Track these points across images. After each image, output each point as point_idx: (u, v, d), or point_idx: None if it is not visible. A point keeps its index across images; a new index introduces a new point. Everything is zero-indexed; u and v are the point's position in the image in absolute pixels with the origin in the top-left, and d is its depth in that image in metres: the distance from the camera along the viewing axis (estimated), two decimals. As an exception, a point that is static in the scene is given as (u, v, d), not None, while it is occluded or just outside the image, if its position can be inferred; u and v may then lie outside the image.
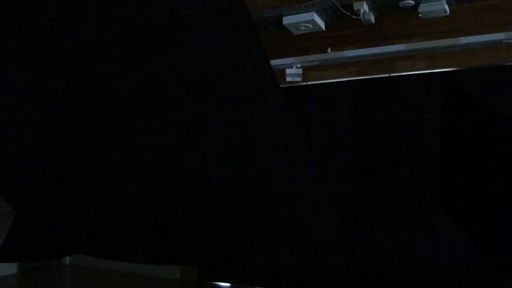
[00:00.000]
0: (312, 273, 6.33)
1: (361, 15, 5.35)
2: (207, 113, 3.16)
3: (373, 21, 5.58)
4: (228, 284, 7.13)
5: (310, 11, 5.47)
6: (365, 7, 5.28)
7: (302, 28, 5.72)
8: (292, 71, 6.24)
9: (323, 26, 5.76)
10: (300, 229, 3.80)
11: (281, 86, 3.86)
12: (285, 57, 6.34)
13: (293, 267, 6.33)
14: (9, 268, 7.94)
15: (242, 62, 2.83)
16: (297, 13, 5.54)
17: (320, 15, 5.61)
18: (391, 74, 5.99)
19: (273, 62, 5.99)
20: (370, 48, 5.91)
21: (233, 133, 3.21)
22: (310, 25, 5.65)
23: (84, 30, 2.98)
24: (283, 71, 6.24)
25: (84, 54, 3.12)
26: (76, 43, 3.06)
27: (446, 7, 5.07)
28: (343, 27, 6.13)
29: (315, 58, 6.26)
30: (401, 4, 5.27)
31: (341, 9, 5.37)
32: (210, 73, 2.95)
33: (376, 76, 6.10)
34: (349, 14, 5.44)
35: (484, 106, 5.48)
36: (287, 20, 5.63)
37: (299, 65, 6.29)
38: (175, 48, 2.93)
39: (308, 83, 6.51)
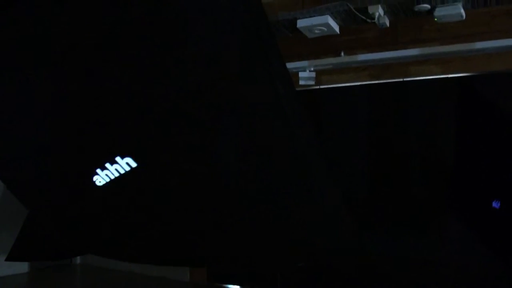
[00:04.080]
0: (323, 276, 6.29)
1: (376, 19, 5.31)
2: (220, 114, 3.15)
3: (387, 25, 5.53)
4: (238, 287, 7.11)
5: (325, 15, 5.44)
6: (380, 11, 5.24)
7: (316, 31, 5.68)
8: (305, 74, 6.20)
9: (337, 29, 5.72)
10: (314, 232, 3.78)
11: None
12: (299, 60, 6.31)
13: (303, 270, 6.30)
14: (20, 267, 7.98)
15: (257, 64, 2.82)
16: (311, 16, 5.51)
17: (334, 18, 5.57)
18: (405, 79, 5.95)
19: (287, 65, 5.96)
20: (384, 52, 5.86)
21: (248, 134, 3.20)
22: (324, 29, 5.61)
23: (95, 31, 2.99)
24: (296, 75, 6.20)
25: (95, 55, 3.13)
26: (87, 44, 3.07)
27: (462, 11, 5.01)
28: (357, 31, 6.10)
29: (328, 61, 6.23)
30: (416, 8, 5.22)
31: (356, 12, 5.33)
32: (225, 74, 2.94)
33: (390, 80, 6.05)
34: (363, 17, 5.40)
35: (499, 111, 5.43)
36: (301, 23, 5.60)
37: (312, 69, 6.26)
38: (189, 48, 2.93)
39: (321, 87, 6.49)
